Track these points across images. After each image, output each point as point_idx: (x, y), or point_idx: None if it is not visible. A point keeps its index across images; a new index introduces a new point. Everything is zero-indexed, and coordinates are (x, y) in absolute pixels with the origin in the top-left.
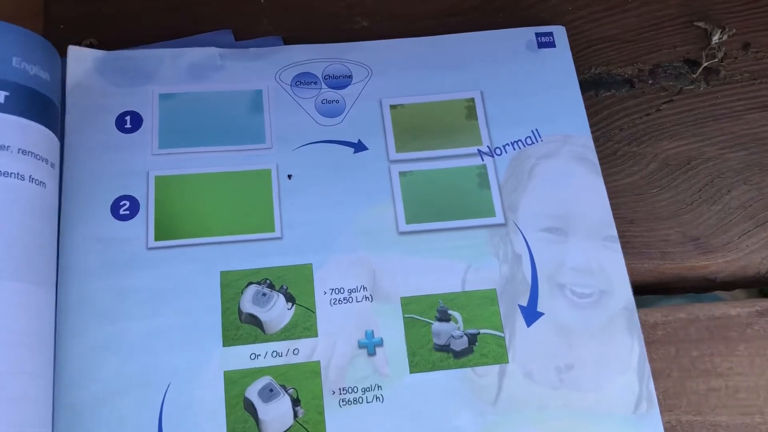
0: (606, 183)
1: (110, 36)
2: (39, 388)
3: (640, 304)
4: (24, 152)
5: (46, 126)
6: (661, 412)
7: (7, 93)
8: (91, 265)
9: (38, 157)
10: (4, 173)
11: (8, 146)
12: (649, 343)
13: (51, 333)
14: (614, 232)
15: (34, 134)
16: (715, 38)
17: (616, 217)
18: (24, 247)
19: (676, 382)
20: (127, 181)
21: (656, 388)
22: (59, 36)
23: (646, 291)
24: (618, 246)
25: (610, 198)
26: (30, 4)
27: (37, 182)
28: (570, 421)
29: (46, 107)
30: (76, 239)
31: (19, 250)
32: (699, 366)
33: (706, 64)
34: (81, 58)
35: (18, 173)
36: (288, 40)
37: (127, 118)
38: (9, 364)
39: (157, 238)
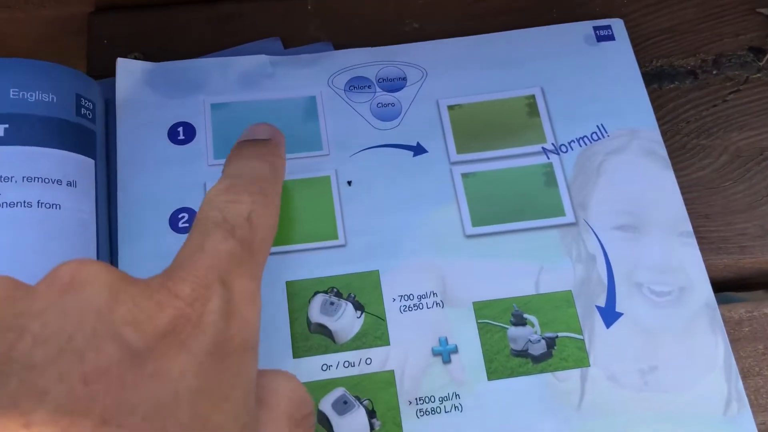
0: (677, 178)
1: (155, 50)
2: None
3: (720, 301)
4: (29, 179)
5: (56, 147)
6: (754, 413)
7: (6, 125)
8: None
9: (47, 180)
10: (9, 204)
11: (11, 177)
12: (735, 340)
13: None
14: (689, 228)
15: (40, 159)
16: None
17: (689, 213)
18: (43, 272)
19: None
20: (184, 194)
21: (746, 388)
22: (105, 52)
23: (725, 288)
24: (694, 241)
25: (683, 193)
26: (73, 23)
27: (47, 206)
28: (659, 426)
29: (54, 129)
30: (136, 255)
31: (38, 276)
32: None
33: None
34: (130, 71)
35: (24, 201)
36: (337, 46)
37: (180, 129)
38: None
39: None
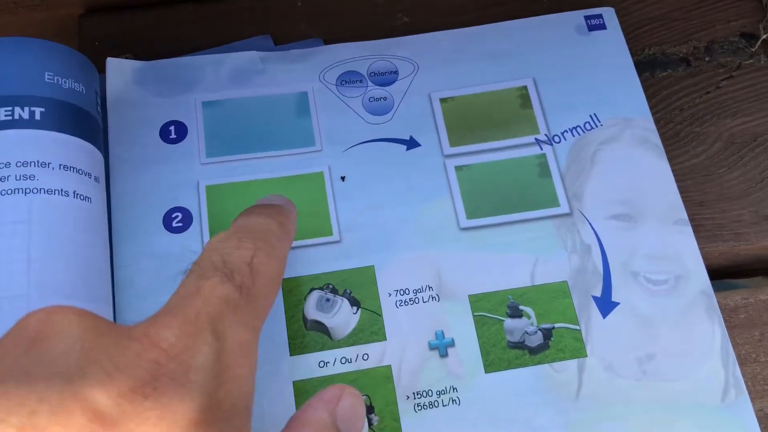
0: (671, 165)
1: (146, 50)
2: None
3: (718, 289)
4: (65, 167)
5: (86, 140)
6: (752, 399)
7: (42, 109)
8: (148, 282)
9: (81, 171)
10: (47, 190)
11: (49, 163)
12: (731, 328)
13: None
14: (684, 216)
15: (75, 149)
16: None
17: (684, 200)
18: (77, 266)
19: (765, 367)
20: (177, 193)
21: (743, 375)
22: (95, 53)
23: (721, 275)
24: (689, 229)
25: (677, 181)
26: (63, 25)
27: (82, 197)
28: (657, 414)
29: (84, 120)
30: (129, 256)
31: (72, 268)
32: None
33: (765, 36)
34: (120, 70)
35: (62, 189)
36: (328, 42)
37: (171, 128)
38: None
39: None
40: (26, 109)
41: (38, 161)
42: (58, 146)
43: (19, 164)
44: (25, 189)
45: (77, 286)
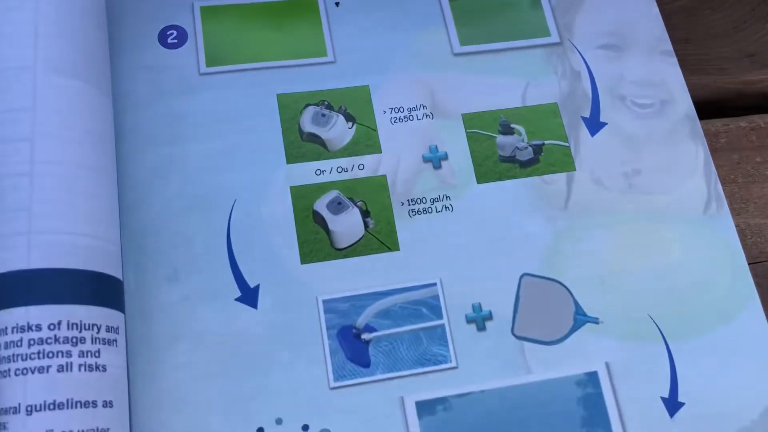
0: (658, 6)
1: None
2: (105, 186)
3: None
4: None
5: None
6: (731, 215)
7: None
8: (143, 93)
9: None
10: None
11: None
12: (712, 151)
13: (111, 137)
14: (670, 47)
15: None
16: None
17: (671, 38)
18: (83, 48)
19: (742, 188)
20: (172, 12)
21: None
22: None
23: (706, 110)
24: (674, 59)
25: (664, 20)
26: None
27: None
28: (642, 224)
29: None
30: (126, 68)
31: (77, 49)
32: (763, 171)
33: None
34: None
35: None
36: None
37: None
38: (77, 158)
39: (208, 65)
40: None
41: None
42: None
43: None
44: None
45: (82, 68)
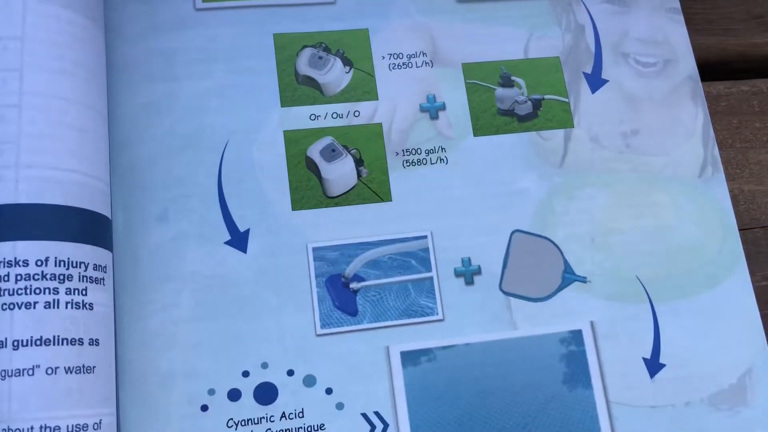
0: None
1: None
2: (96, 121)
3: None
4: None
5: None
6: (725, 180)
7: None
8: (136, 28)
9: None
10: None
11: None
12: (712, 114)
13: (103, 71)
14: (677, 5)
15: None
16: None
17: None
18: None
19: (739, 153)
20: None
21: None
22: None
23: (709, 72)
24: (681, 18)
25: None
26: None
27: None
28: (638, 185)
29: None
30: (119, 0)
31: None
32: (762, 138)
33: None
34: None
35: None
36: None
37: None
38: (67, 92)
39: (204, 0)
40: None
41: None
42: None
43: None
44: None
45: None
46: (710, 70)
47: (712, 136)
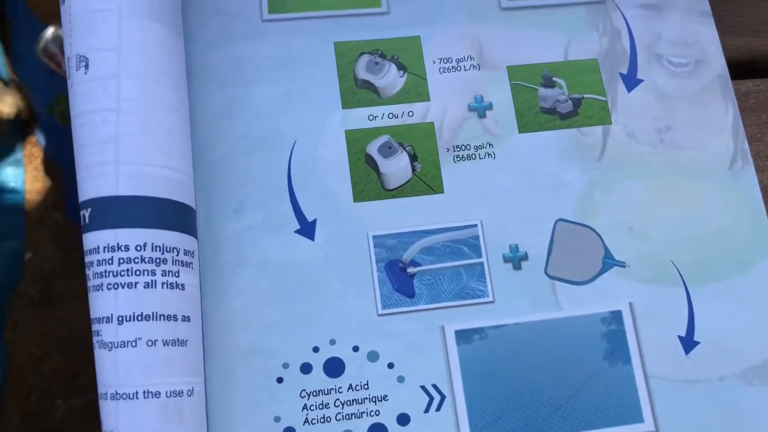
0: None
1: None
2: (180, 123)
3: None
4: None
5: None
6: (755, 172)
7: None
8: (210, 37)
9: None
10: None
11: None
12: (742, 110)
13: (184, 78)
14: (708, 8)
15: None
16: None
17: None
18: None
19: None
20: None
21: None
22: None
23: (738, 71)
24: (711, 21)
25: None
26: None
27: None
28: (671, 177)
29: None
30: (195, 11)
31: None
32: None
33: None
34: None
35: None
36: None
37: None
38: (156, 96)
39: (270, 11)
40: None
41: None
42: None
43: None
44: None
45: (159, 11)
46: (740, 69)
47: (742, 130)
